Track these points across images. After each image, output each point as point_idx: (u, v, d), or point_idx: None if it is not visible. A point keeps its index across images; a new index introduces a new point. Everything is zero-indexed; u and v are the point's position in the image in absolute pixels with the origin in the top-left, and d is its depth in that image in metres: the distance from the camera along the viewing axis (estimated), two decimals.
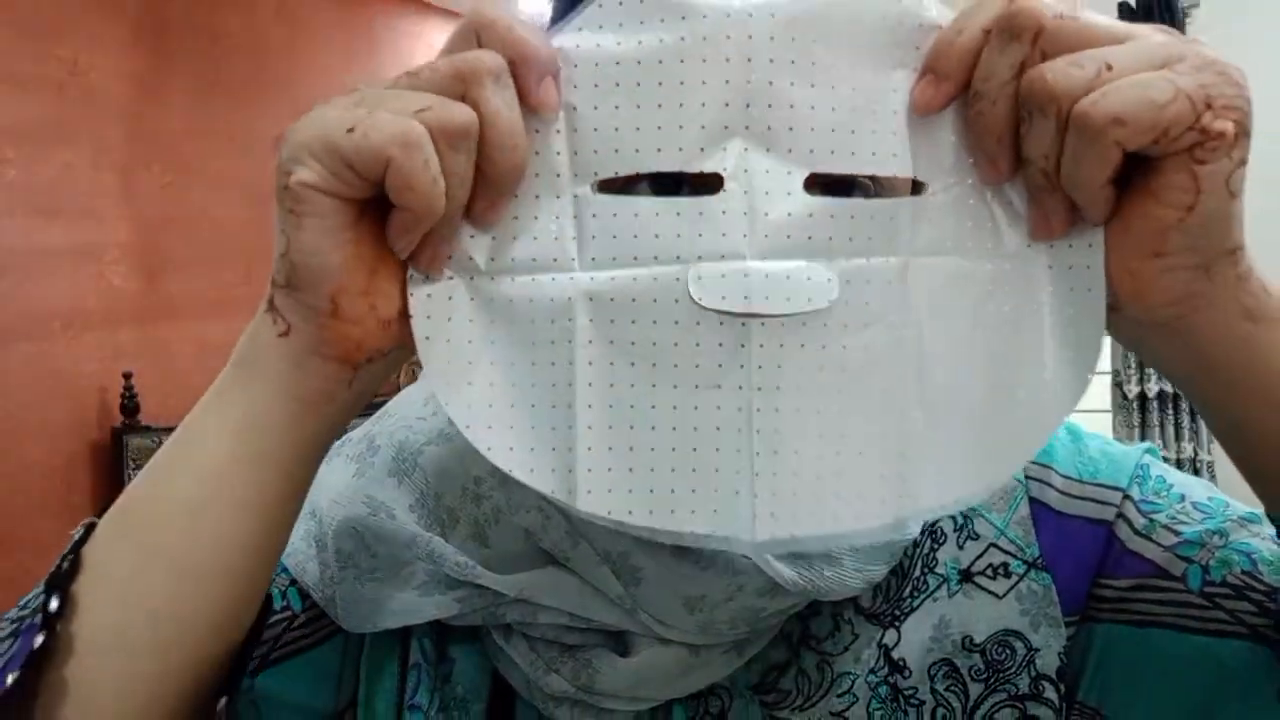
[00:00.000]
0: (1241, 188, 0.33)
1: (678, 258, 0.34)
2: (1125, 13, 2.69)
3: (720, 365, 0.34)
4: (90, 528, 0.39)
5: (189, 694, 0.37)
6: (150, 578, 0.36)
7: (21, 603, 0.38)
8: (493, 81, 0.32)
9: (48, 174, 2.62)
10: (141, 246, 2.81)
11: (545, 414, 0.35)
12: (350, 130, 0.32)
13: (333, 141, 0.32)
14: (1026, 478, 0.48)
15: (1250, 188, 0.34)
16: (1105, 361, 2.81)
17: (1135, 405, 2.65)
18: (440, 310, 0.35)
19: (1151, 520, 0.46)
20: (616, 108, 0.34)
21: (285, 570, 0.48)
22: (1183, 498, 0.47)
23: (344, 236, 0.34)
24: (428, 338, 0.35)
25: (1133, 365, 2.65)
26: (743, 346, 0.34)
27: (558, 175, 0.35)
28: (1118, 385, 2.72)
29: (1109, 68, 0.30)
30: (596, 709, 0.45)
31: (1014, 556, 0.47)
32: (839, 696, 0.46)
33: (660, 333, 0.34)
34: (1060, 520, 0.47)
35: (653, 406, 0.35)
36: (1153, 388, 2.61)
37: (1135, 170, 0.32)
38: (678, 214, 0.34)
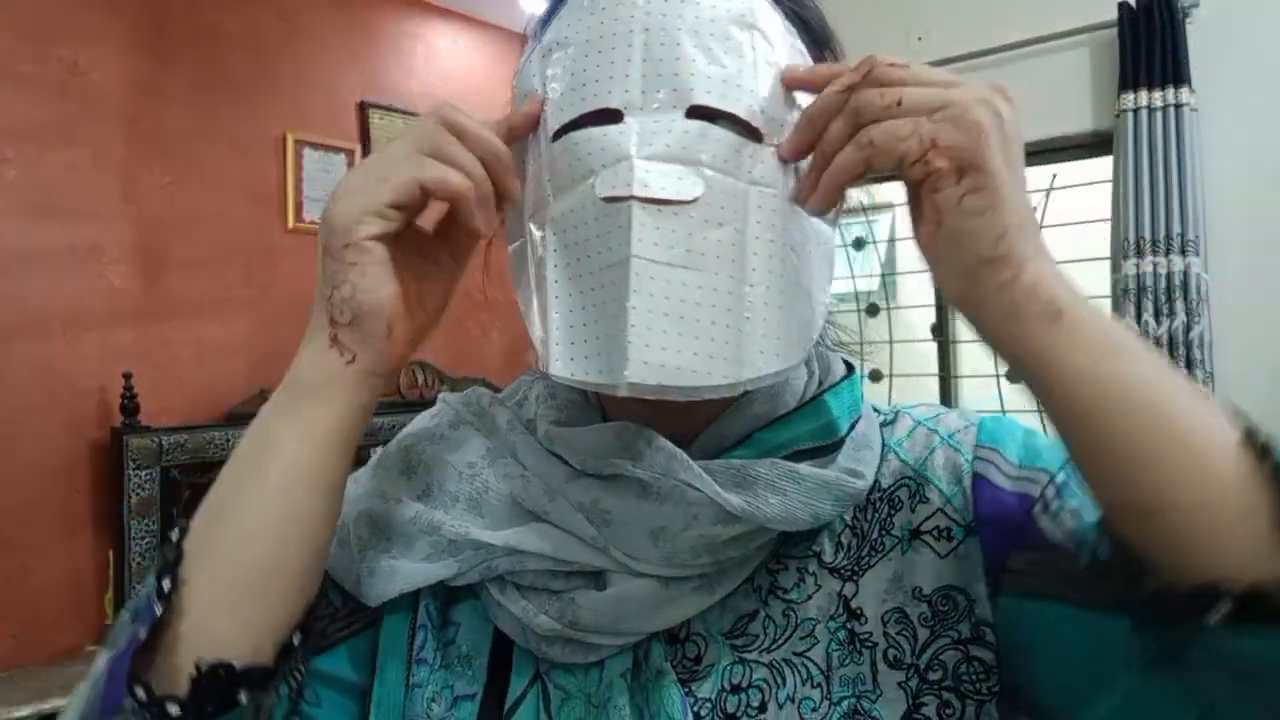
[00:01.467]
0: (982, 209, 0.41)
1: (592, 171, 0.47)
2: (1125, 13, 2.68)
3: (616, 245, 0.45)
4: (183, 531, 0.46)
5: (283, 635, 0.46)
6: (250, 550, 0.45)
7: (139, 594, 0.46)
8: (455, 135, 0.49)
9: (48, 174, 2.62)
10: (141, 246, 2.81)
11: (542, 310, 0.48)
12: (384, 180, 0.47)
13: (376, 196, 0.46)
14: (974, 457, 0.55)
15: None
16: None
17: None
18: (518, 257, 0.52)
19: (1064, 503, 0.49)
20: (573, 74, 0.50)
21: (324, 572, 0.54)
22: None
23: (392, 271, 0.47)
24: (516, 280, 0.52)
25: None
26: (629, 223, 0.45)
27: (537, 136, 0.51)
28: None
29: (899, 104, 0.42)
30: (584, 645, 0.51)
31: (955, 523, 0.53)
32: (801, 639, 0.51)
33: (584, 230, 0.47)
34: (995, 492, 0.52)
35: (583, 290, 0.47)
36: None
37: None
38: (590, 139, 0.48)
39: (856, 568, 0.53)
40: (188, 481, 2.76)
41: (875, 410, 0.60)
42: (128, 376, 2.65)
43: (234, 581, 0.44)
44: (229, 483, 0.47)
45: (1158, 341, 2.58)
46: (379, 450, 0.62)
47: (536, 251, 0.50)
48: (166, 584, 0.43)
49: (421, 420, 0.63)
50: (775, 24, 0.51)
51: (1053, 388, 0.41)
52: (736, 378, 0.45)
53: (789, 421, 0.54)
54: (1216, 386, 2.59)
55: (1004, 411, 2.83)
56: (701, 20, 0.48)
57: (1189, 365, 2.56)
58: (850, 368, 0.60)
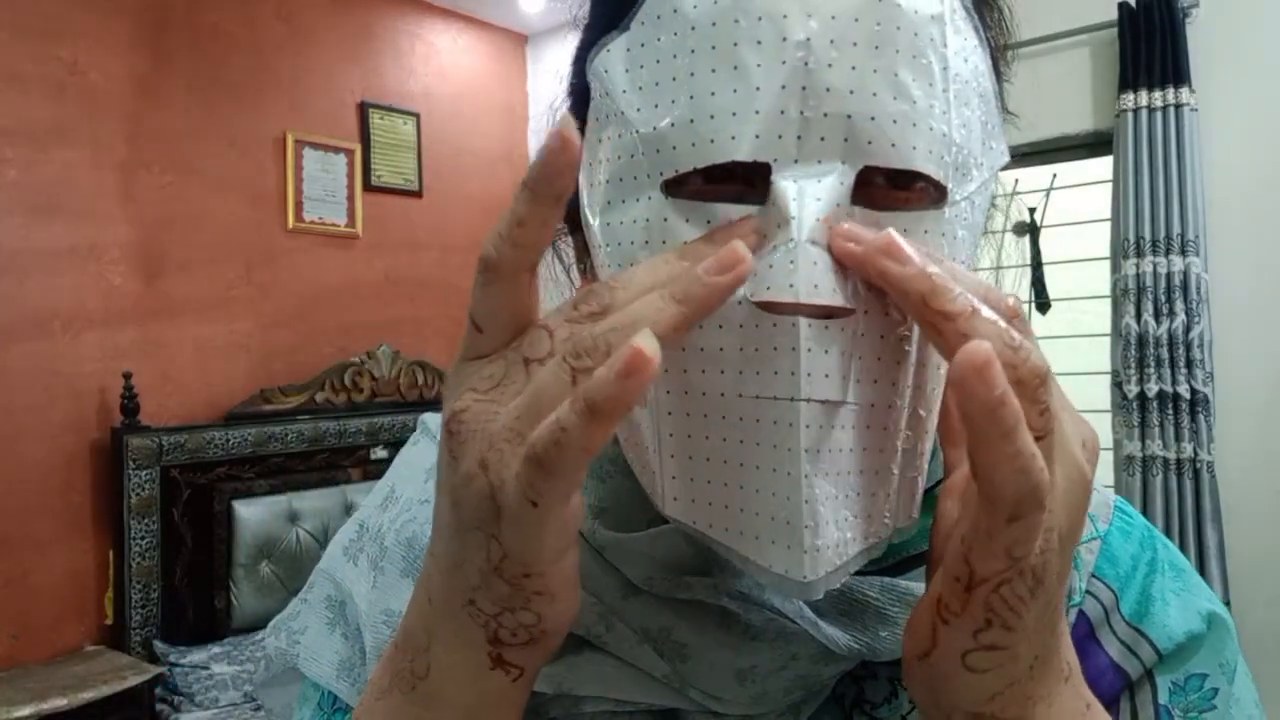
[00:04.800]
0: (984, 667, 0.32)
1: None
2: (1125, 13, 2.68)
3: (768, 374, 0.32)
4: None
5: None
6: None
7: None
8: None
9: (48, 174, 2.62)
10: (141, 246, 2.81)
11: (645, 420, 0.36)
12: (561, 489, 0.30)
13: (567, 519, 0.31)
14: (1087, 592, 0.45)
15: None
16: (1105, 361, 2.80)
17: (1135, 405, 2.64)
18: None
19: (1166, 711, 0.43)
20: (691, 97, 0.34)
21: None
22: (1214, 707, 0.43)
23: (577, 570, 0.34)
24: None
25: (1132, 365, 2.65)
26: (797, 345, 0.32)
27: (634, 178, 0.35)
28: (1117, 385, 2.71)
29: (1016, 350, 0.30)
30: None
31: None
32: None
33: (713, 337, 0.33)
34: (1095, 655, 0.44)
35: (710, 415, 0.34)
36: (1152, 388, 2.60)
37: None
38: (726, 210, 0.34)
39: None
40: (188, 481, 2.76)
41: None
42: (128, 376, 2.65)
43: None
44: None
45: (1157, 341, 2.59)
46: (370, 520, 0.52)
47: None
48: None
49: (415, 485, 0.51)
50: (962, 20, 0.36)
51: None
52: (879, 535, 0.35)
53: None
54: (1216, 386, 2.59)
55: None
56: (889, 25, 0.33)
57: (1189, 365, 2.56)
58: None
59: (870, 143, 0.33)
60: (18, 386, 2.54)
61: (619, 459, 0.44)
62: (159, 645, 2.64)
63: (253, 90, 3.09)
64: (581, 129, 0.40)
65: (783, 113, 0.33)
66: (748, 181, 0.34)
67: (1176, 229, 2.57)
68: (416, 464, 0.53)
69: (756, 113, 0.33)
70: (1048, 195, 2.86)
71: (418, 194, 3.58)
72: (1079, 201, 2.99)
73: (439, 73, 3.69)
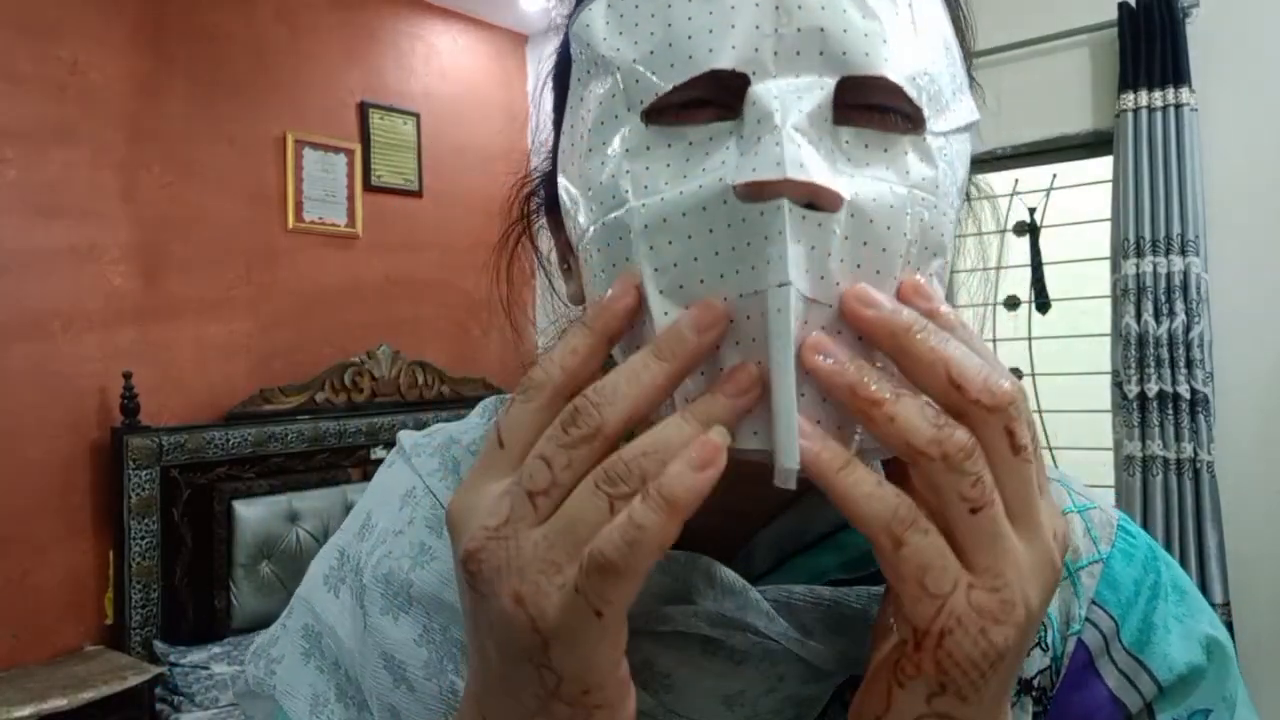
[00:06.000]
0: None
1: (710, 157, 0.34)
2: (1125, 13, 2.68)
3: (758, 264, 0.32)
4: None
5: None
6: None
7: None
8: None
9: (48, 174, 2.62)
10: (141, 246, 2.82)
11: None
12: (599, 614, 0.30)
13: (617, 615, 0.31)
14: (1086, 619, 0.44)
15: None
16: (1105, 361, 2.80)
17: (1135, 405, 2.64)
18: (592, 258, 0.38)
19: None
20: (669, 25, 0.35)
21: None
22: None
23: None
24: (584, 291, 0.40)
25: (1132, 365, 2.65)
26: (783, 231, 0.31)
27: (615, 116, 0.36)
28: (1118, 385, 2.71)
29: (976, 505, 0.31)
30: None
31: (1040, 687, 0.44)
32: None
33: (698, 242, 0.33)
34: (1091, 686, 0.44)
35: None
36: (1152, 388, 2.60)
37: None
38: (709, 138, 0.34)
39: None
40: (188, 481, 2.76)
41: None
42: (128, 376, 2.65)
43: None
44: None
45: (1157, 341, 2.59)
46: (349, 546, 0.52)
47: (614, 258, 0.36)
48: None
49: (390, 513, 0.51)
50: None
51: None
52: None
53: None
54: (1216, 386, 2.59)
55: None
56: None
57: (1189, 365, 2.56)
58: None
59: (845, 53, 0.34)
60: (17, 386, 2.54)
61: None
62: (159, 645, 2.64)
63: (253, 90, 3.09)
64: (563, 106, 0.42)
65: (758, 27, 0.34)
66: (726, 105, 0.34)
67: (1176, 229, 2.57)
68: (392, 488, 0.53)
69: (733, 27, 0.34)
70: (1048, 195, 2.86)
71: (418, 194, 3.58)
72: (1079, 201, 2.99)
73: (439, 73, 3.69)
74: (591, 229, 0.37)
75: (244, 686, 0.53)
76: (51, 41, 2.63)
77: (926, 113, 0.35)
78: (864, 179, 0.33)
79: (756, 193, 0.32)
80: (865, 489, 0.30)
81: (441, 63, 3.71)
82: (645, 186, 0.35)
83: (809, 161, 0.32)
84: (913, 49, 0.35)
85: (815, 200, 0.32)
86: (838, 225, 0.32)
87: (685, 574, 0.39)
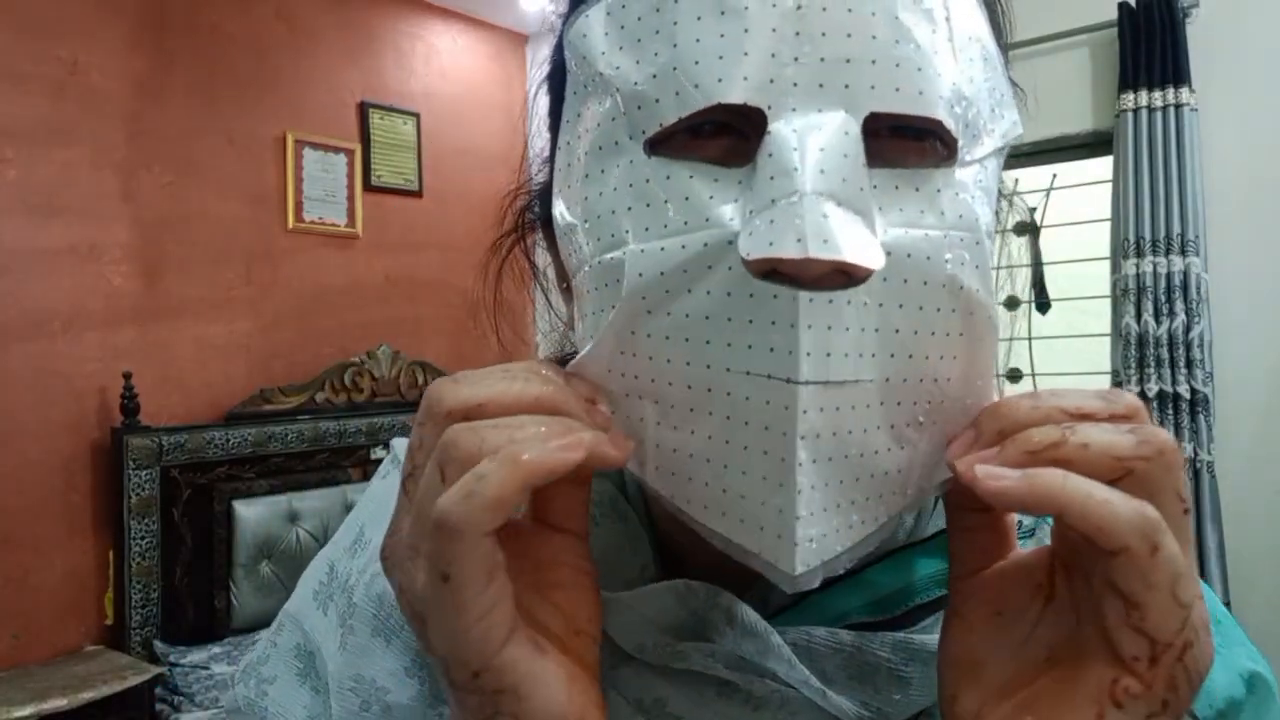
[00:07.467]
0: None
1: (729, 240, 0.30)
2: (1125, 13, 2.68)
3: (764, 351, 0.29)
4: None
5: None
6: None
7: None
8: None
9: (48, 174, 2.62)
10: (141, 246, 2.81)
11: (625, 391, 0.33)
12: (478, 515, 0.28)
13: (491, 593, 0.29)
14: None
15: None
16: (1105, 361, 2.80)
17: None
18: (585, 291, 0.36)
19: None
20: (674, 46, 0.31)
21: None
22: None
23: (546, 642, 0.32)
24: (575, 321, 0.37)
25: (1132, 365, 2.65)
26: (795, 320, 0.28)
27: (615, 143, 0.33)
28: (1118, 385, 2.71)
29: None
30: None
31: None
32: None
33: (702, 304, 0.30)
34: None
35: (707, 389, 0.30)
36: (1152, 388, 2.60)
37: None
38: (715, 180, 0.31)
39: None
40: (188, 481, 2.76)
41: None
42: (128, 376, 2.65)
43: None
44: None
45: (1157, 341, 2.59)
46: (339, 563, 0.50)
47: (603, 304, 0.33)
48: None
49: (382, 514, 0.50)
50: None
51: None
52: (899, 507, 0.32)
53: (924, 551, 0.40)
54: (1216, 386, 2.59)
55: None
56: None
57: (1189, 365, 2.56)
58: None
59: (873, 88, 0.30)
60: (18, 386, 2.54)
61: (617, 500, 0.42)
62: (159, 645, 2.64)
63: (253, 90, 3.09)
64: (559, 112, 0.39)
65: (774, 56, 0.30)
66: (740, 135, 0.31)
67: (1176, 229, 2.57)
68: (385, 501, 0.50)
69: (745, 54, 0.30)
70: (1048, 195, 2.86)
71: (418, 194, 3.58)
72: (1079, 201, 2.99)
73: (439, 73, 3.69)
74: (587, 266, 0.34)
75: (233, 703, 0.51)
76: (51, 41, 2.63)
77: (962, 141, 0.32)
78: (897, 229, 0.30)
79: (772, 269, 0.28)
80: (1102, 494, 0.27)
81: (441, 63, 3.71)
82: (646, 229, 0.31)
83: (836, 232, 0.27)
84: (951, 73, 0.31)
85: (846, 272, 0.28)
86: (867, 296, 0.29)
87: (705, 610, 0.37)
